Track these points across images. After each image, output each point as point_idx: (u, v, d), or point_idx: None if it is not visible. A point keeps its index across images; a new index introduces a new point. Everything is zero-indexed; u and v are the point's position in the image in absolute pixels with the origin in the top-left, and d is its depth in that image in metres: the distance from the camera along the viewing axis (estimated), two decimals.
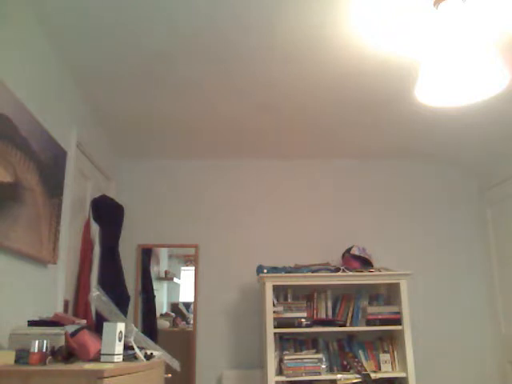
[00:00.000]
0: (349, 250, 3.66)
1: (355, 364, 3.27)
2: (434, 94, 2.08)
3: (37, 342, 1.51)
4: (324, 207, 4.01)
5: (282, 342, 3.39)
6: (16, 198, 1.89)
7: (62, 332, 1.68)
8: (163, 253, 4.03)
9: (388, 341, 3.45)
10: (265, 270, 3.36)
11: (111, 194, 3.65)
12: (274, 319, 3.24)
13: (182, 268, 3.98)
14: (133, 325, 2.00)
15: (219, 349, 3.68)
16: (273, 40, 2.32)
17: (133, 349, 1.81)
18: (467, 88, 2.00)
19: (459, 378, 3.65)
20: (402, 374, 3.26)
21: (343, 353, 3.41)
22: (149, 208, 3.91)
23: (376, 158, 4.10)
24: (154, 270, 3.89)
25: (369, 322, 3.36)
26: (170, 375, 2.16)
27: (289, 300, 3.43)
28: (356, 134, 3.58)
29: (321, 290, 3.49)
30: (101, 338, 1.65)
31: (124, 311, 3.04)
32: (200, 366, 3.63)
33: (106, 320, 1.93)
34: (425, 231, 4.00)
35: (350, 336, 3.51)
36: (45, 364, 1.49)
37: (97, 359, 1.61)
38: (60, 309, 2.50)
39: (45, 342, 1.53)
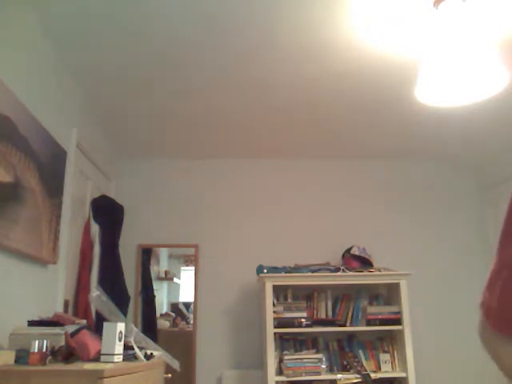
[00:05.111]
0: (349, 250, 3.66)
1: (355, 364, 3.27)
2: (434, 94, 2.08)
3: (37, 342, 1.51)
4: (324, 207, 4.01)
5: (282, 341, 3.39)
6: (16, 198, 1.89)
7: (62, 332, 1.68)
8: (163, 253, 4.03)
9: (388, 341, 3.45)
10: (265, 270, 3.36)
11: (111, 194, 3.65)
12: (274, 319, 3.24)
13: (182, 268, 3.98)
14: (133, 325, 2.00)
15: (219, 349, 3.68)
16: (273, 40, 2.32)
17: (133, 349, 1.81)
18: (467, 88, 2.00)
19: (459, 377, 3.65)
20: (402, 374, 3.26)
21: (343, 353, 3.41)
22: (149, 208, 3.91)
23: (376, 157, 4.10)
24: (154, 269, 3.89)
25: (369, 322, 3.36)
26: (170, 375, 2.16)
27: (289, 300, 3.43)
28: (356, 134, 3.59)
29: (321, 290, 3.49)
30: (101, 338, 1.64)
31: (124, 311, 3.04)
32: (200, 365, 3.63)
33: (106, 320, 1.93)
34: (425, 231, 4.01)
35: (350, 336, 3.51)
36: (45, 364, 1.49)
37: (97, 359, 1.61)
38: (60, 309, 2.50)
39: (45, 342, 1.53)
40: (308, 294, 3.49)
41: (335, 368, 3.35)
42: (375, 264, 3.61)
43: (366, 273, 3.39)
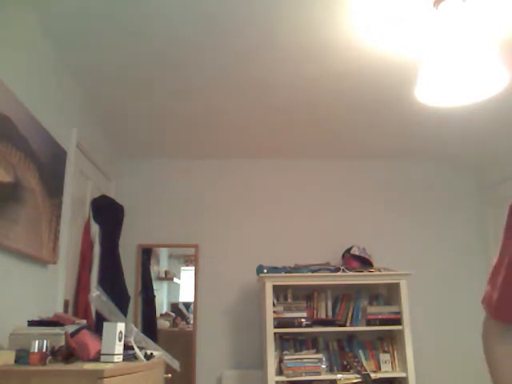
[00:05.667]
0: (349, 250, 3.66)
1: (355, 364, 3.27)
2: (434, 94, 2.08)
3: (37, 342, 1.51)
4: (324, 207, 4.01)
5: (282, 341, 3.39)
6: (16, 198, 1.89)
7: (62, 332, 1.68)
8: (163, 253, 4.03)
9: (388, 341, 3.45)
10: (265, 270, 3.36)
11: (111, 194, 3.65)
12: (274, 319, 3.24)
13: (182, 268, 3.98)
14: (133, 325, 2.00)
15: (219, 349, 3.68)
16: (273, 40, 2.32)
17: (133, 349, 1.81)
18: (467, 88, 2.00)
19: (459, 377, 3.65)
20: (402, 374, 3.26)
21: (343, 353, 3.41)
22: (149, 208, 3.91)
23: (376, 157, 4.10)
24: (154, 269, 3.89)
25: (369, 322, 3.36)
26: (170, 375, 2.16)
27: (289, 300, 3.43)
28: (356, 134, 3.59)
29: (321, 290, 3.49)
30: (101, 338, 1.64)
31: (124, 311, 3.04)
32: (200, 365, 3.63)
33: (106, 320, 1.93)
34: (425, 231, 4.00)
35: (350, 336, 3.51)
36: (45, 364, 1.48)
37: (97, 359, 1.61)
38: (60, 309, 2.50)
39: (45, 342, 1.53)
40: (308, 294, 3.49)
41: (335, 368, 3.35)
42: (375, 264, 3.61)
43: (366, 273, 3.39)
